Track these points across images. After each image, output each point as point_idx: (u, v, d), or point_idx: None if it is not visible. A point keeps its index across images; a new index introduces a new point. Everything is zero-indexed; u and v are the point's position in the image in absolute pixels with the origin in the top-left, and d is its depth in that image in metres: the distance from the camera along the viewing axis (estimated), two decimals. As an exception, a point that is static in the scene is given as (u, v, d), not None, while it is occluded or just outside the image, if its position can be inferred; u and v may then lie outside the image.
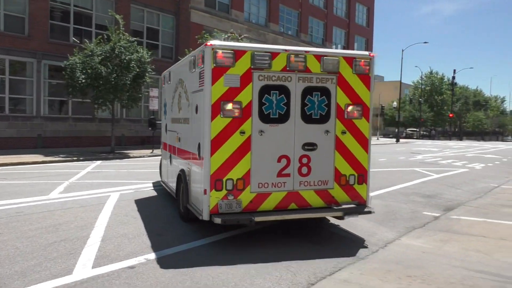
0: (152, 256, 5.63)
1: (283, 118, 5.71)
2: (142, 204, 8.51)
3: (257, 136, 5.55)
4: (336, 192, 5.99)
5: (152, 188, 10.39)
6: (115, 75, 17.78)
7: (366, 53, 6.04)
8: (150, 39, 25.98)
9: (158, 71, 24.80)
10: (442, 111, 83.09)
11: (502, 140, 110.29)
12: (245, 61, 5.38)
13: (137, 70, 18.64)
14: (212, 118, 5.38)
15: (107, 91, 17.91)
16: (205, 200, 5.45)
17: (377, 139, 57.77)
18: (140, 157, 18.74)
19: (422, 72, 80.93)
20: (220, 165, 5.46)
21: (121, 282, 4.88)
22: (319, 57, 5.80)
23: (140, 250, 5.85)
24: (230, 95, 5.38)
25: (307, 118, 5.85)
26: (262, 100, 5.58)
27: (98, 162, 16.18)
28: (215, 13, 31.64)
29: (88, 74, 17.60)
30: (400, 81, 56.16)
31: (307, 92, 5.77)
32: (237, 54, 5.37)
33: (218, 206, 5.49)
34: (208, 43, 5.31)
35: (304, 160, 5.80)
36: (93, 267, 5.24)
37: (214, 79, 5.31)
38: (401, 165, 18.46)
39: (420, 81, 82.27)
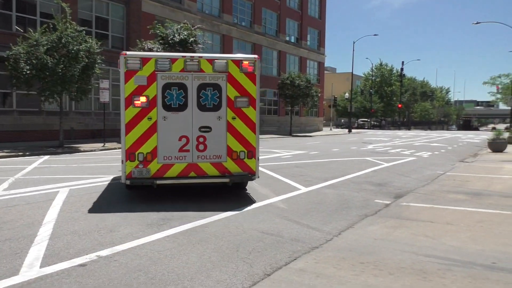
0: (104, 253, 5.50)
1: (182, 107, 7.84)
2: (94, 200, 8.26)
3: (161, 121, 7.75)
4: (229, 164, 8.11)
5: (106, 182, 10.08)
6: (62, 66, 17.24)
7: (252, 56, 8.09)
8: (99, 28, 25.14)
9: (108, 62, 23.87)
10: (392, 102, 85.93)
11: (447, 129, 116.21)
12: (150, 66, 7.62)
13: (86, 61, 18.11)
14: (126, 108, 7.52)
15: (54, 83, 17.33)
16: (123, 168, 7.65)
17: (330, 129, 59.05)
18: (91, 151, 18.19)
19: (372, 64, 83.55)
20: (132, 142, 7.61)
21: (71, 281, 4.74)
22: (211, 60, 7.94)
23: (92, 247, 5.70)
24: (139, 91, 7.56)
25: (202, 107, 7.96)
26: (165, 94, 7.74)
27: (46, 157, 15.56)
28: (167, 2, 30.91)
29: (33, 65, 16.97)
30: (352, 72, 57.50)
31: (202, 87, 7.91)
32: (144, 60, 7.63)
33: (132, 173, 7.66)
34: (122, 53, 7.43)
35: (201, 139, 8.00)
36: (41, 267, 5.08)
37: (126, 80, 7.50)
38: (353, 155, 18.92)
39: (371, 72, 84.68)
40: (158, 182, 7.77)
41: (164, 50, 22.88)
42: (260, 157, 16.49)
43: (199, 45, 26.09)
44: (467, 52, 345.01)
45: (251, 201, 8.50)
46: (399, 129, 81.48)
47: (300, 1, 53.80)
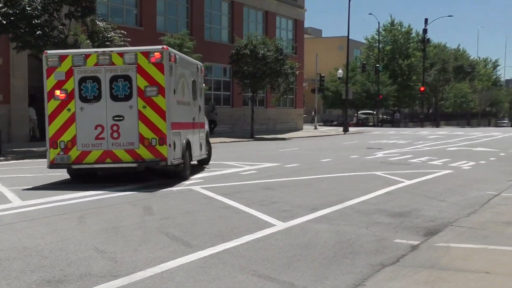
0: None
1: (97, 98, 14.07)
2: None
3: (79, 111, 13.98)
4: (141, 151, 14.32)
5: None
6: None
7: (159, 47, 14.61)
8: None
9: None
10: (410, 83, 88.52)
11: (496, 125, 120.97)
12: (68, 62, 13.85)
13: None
14: (48, 101, 13.80)
15: None
16: (47, 155, 13.84)
17: (315, 128, 60.05)
18: None
19: (379, 24, 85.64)
20: (54, 132, 13.79)
21: None
22: (121, 54, 14.23)
23: None
24: (58, 85, 13.70)
25: (115, 97, 14.18)
26: (81, 87, 14.00)
27: None
28: None
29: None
30: (348, 36, 58.27)
31: (114, 79, 14.07)
32: (62, 58, 14.05)
33: (55, 159, 14.02)
34: (44, 52, 13.55)
35: (115, 128, 14.17)
36: None
37: (48, 75, 13.77)
38: (355, 168, 19.19)
39: (377, 37, 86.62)
40: (76, 167, 14.73)
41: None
42: (207, 175, 16.42)
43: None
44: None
45: (197, 247, 8.38)
46: (422, 125, 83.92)
47: None
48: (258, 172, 18.02)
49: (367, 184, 15.00)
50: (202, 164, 19.92)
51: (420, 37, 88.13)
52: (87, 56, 14.86)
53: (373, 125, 78.85)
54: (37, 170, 18.62)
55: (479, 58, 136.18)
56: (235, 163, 21.17)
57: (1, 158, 22.87)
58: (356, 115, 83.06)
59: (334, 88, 76.66)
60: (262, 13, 54.11)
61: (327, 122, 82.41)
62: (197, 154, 18.36)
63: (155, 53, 14.70)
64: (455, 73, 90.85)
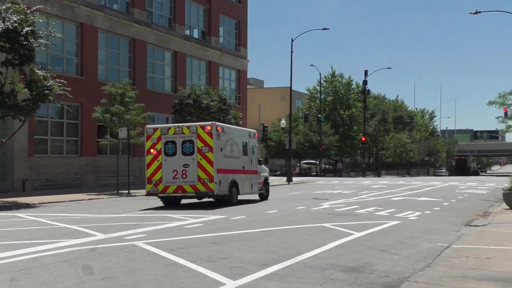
0: None
1: (174, 153, 26.15)
2: None
3: (164, 162, 26.11)
4: (199, 186, 25.66)
5: None
6: None
7: (209, 122, 26.76)
8: None
9: None
10: (351, 133, 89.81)
11: (435, 174, 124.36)
12: (158, 132, 26.48)
13: None
14: (147, 155, 26.57)
15: None
16: (146, 188, 26.61)
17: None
18: None
19: (320, 74, 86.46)
20: (150, 173, 26.28)
21: None
22: (188, 127, 26.42)
23: None
24: (153, 146, 26.40)
25: (184, 153, 26.07)
26: (165, 147, 26.28)
27: None
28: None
29: None
30: (290, 87, 58.75)
31: (184, 142, 26.10)
32: (155, 129, 26.79)
33: (150, 191, 26.34)
34: (145, 126, 27.87)
35: (184, 172, 25.90)
36: None
37: (147, 140, 26.69)
38: (303, 220, 18.91)
39: (318, 87, 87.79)
40: (161, 195, 26.20)
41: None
42: (151, 229, 15.91)
43: (41, 40, 25.31)
44: (462, 57, 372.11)
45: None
46: (364, 175, 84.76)
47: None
48: (204, 225, 17.52)
49: (317, 237, 14.64)
50: (262, 199, 30.41)
51: (360, 88, 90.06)
52: (168, 128, 26.09)
53: (316, 175, 79.34)
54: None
55: (417, 109, 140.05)
56: (178, 214, 20.68)
57: None
58: (299, 164, 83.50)
59: (277, 138, 77.06)
60: (205, 63, 54.10)
61: (271, 172, 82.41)
62: (247, 191, 28.77)
63: (207, 126, 25.58)
64: (395, 124, 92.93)
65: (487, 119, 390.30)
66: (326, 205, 25.55)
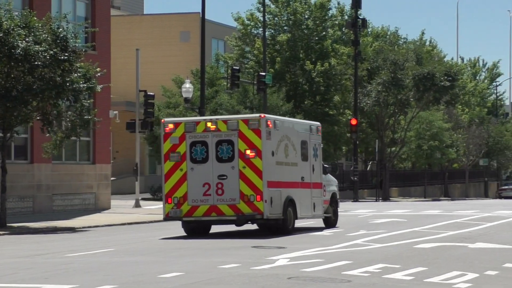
0: None
1: (205, 160, 35.51)
2: None
3: (190, 171, 35.55)
4: (242, 206, 34.47)
5: None
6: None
7: (257, 115, 36.98)
8: None
9: None
10: (330, 111, 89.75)
11: (499, 194, 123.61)
12: (181, 129, 35.77)
13: None
14: (164, 162, 36.36)
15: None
16: (163, 209, 36.77)
17: (136, 205, 60.28)
18: None
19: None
20: (169, 188, 35.99)
21: None
22: (225, 121, 35.94)
23: None
24: (173, 148, 35.81)
25: (219, 159, 35.29)
26: (191, 150, 35.61)
27: None
28: None
29: None
30: (203, 13, 58.58)
31: (219, 143, 35.17)
32: (176, 124, 36.34)
33: (169, 213, 36.05)
34: (161, 120, 39.64)
35: (219, 186, 34.91)
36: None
37: (164, 140, 36.33)
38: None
39: (260, 14, 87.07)
40: (186, 219, 35.75)
41: None
42: None
43: None
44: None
45: None
46: (357, 196, 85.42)
47: None
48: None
49: None
50: (329, 225, 38.13)
51: (347, 17, 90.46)
52: (197, 123, 33.22)
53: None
54: None
55: (463, 59, 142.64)
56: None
57: None
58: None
59: (174, 116, 76.99)
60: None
61: (160, 193, 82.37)
62: (308, 213, 36.25)
63: (254, 120, 32.42)
64: (419, 89, 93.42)
65: None
66: (282, 259, 25.52)
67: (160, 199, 78.13)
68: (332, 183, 38.31)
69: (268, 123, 31.33)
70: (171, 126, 31.97)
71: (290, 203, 32.81)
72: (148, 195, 78.02)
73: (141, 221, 50.59)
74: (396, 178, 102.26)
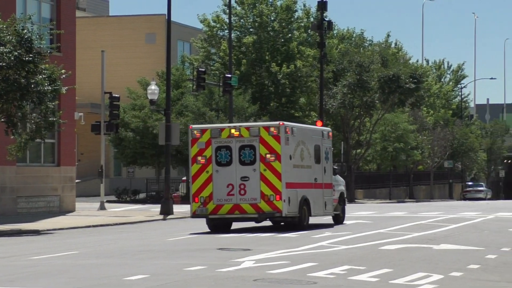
0: None
1: (229, 163, 41.94)
2: None
3: (215, 173, 41.99)
4: (262, 205, 41.01)
5: None
6: None
7: (277, 122, 42.21)
8: None
9: None
10: (295, 113, 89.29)
11: (463, 196, 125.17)
12: (207, 135, 42.27)
13: None
14: (192, 164, 43.13)
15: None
16: (190, 207, 44.10)
17: (101, 208, 59.73)
18: None
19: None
20: (196, 189, 42.69)
21: None
22: (248, 128, 42.18)
23: None
24: (200, 152, 42.32)
25: (242, 162, 41.74)
26: (217, 154, 42.09)
27: None
28: None
29: None
30: (168, 15, 58.65)
31: (242, 148, 41.68)
32: (203, 131, 42.93)
33: (196, 211, 42.93)
34: (190, 126, 45.87)
35: (242, 186, 41.49)
36: None
37: (192, 145, 42.94)
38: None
39: (226, 16, 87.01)
40: (212, 217, 42.03)
41: None
42: None
43: None
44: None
45: None
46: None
47: None
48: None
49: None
50: (337, 222, 44.45)
51: (313, 19, 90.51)
52: (221, 129, 38.87)
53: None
54: None
55: (428, 61, 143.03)
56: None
57: None
58: (187, 179, 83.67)
59: (139, 123, 77.20)
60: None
61: (125, 195, 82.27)
62: (320, 211, 42.13)
63: (273, 127, 37.69)
64: (384, 92, 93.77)
65: None
66: (248, 262, 25.48)
67: (125, 201, 79.20)
68: (340, 183, 45.05)
69: (287, 130, 36.86)
70: (198, 132, 37.59)
71: (305, 202, 39.12)
72: (113, 198, 77.69)
73: (106, 224, 50.08)
74: (362, 180, 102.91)
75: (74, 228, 46.11)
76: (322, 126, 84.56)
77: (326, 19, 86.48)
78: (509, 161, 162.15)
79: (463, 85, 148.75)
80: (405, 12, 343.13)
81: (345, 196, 44.18)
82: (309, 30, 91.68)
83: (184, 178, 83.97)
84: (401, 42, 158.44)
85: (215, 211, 36.72)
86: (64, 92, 44.75)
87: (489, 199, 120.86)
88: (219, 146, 36.26)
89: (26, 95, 40.75)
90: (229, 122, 75.23)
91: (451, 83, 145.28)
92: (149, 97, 72.01)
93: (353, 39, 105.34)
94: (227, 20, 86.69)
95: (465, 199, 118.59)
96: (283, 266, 24.61)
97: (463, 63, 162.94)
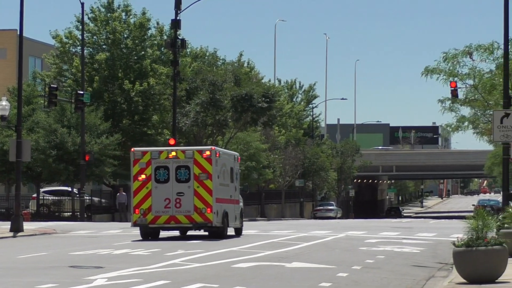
0: None
1: (166, 180, 52.20)
2: None
3: (154, 189, 51.85)
4: (195, 216, 50.99)
5: None
6: None
7: (209, 147, 55.35)
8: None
9: None
10: (148, 131, 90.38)
11: (314, 214, 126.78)
12: (147, 156, 53.01)
13: None
14: (133, 181, 53.29)
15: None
16: (131, 218, 54.22)
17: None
18: None
19: (83, 5, 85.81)
20: (137, 202, 52.25)
21: None
22: (183, 151, 54.61)
23: None
24: (141, 171, 52.58)
25: (178, 180, 52.14)
26: (156, 172, 52.52)
27: None
28: None
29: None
30: (21, 30, 58.29)
31: (178, 168, 52.34)
32: (143, 153, 54.09)
33: (136, 221, 52.59)
34: (132, 149, 55.32)
35: (178, 200, 51.58)
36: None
37: (134, 164, 53.02)
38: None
39: (78, 32, 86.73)
40: (151, 226, 51.31)
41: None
42: None
43: None
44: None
45: None
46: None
47: None
48: None
49: None
50: (238, 234, 51.78)
51: (167, 36, 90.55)
52: (160, 152, 49.61)
53: (73, 217, 79.08)
54: None
55: (280, 81, 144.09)
56: None
57: None
58: (35, 196, 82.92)
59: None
60: None
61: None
62: (232, 223, 50.17)
63: (206, 151, 48.27)
64: (237, 110, 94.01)
65: (418, 107, 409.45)
66: (100, 279, 25.40)
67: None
68: (241, 200, 53.02)
69: (217, 153, 45.14)
70: (139, 154, 45.23)
71: (225, 214, 47.39)
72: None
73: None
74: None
75: None
76: (174, 144, 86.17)
77: (179, 37, 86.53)
78: (359, 181, 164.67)
79: (314, 105, 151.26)
80: (258, 32, 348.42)
81: (242, 211, 52.98)
82: (163, 48, 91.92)
83: (35, 195, 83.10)
84: (254, 61, 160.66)
85: (153, 221, 44.00)
86: None
87: (339, 218, 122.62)
88: (158, 166, 43.45)
89: None
90: (81, 139, 75.57)
91: (302, 102, 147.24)
92: (0, 113, 71.40)
93: (206, 57, 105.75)
94: (80, 37, 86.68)
95: (315, 217, 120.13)
96: (135, 284, 24.59)
97: (315, 83, 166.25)
